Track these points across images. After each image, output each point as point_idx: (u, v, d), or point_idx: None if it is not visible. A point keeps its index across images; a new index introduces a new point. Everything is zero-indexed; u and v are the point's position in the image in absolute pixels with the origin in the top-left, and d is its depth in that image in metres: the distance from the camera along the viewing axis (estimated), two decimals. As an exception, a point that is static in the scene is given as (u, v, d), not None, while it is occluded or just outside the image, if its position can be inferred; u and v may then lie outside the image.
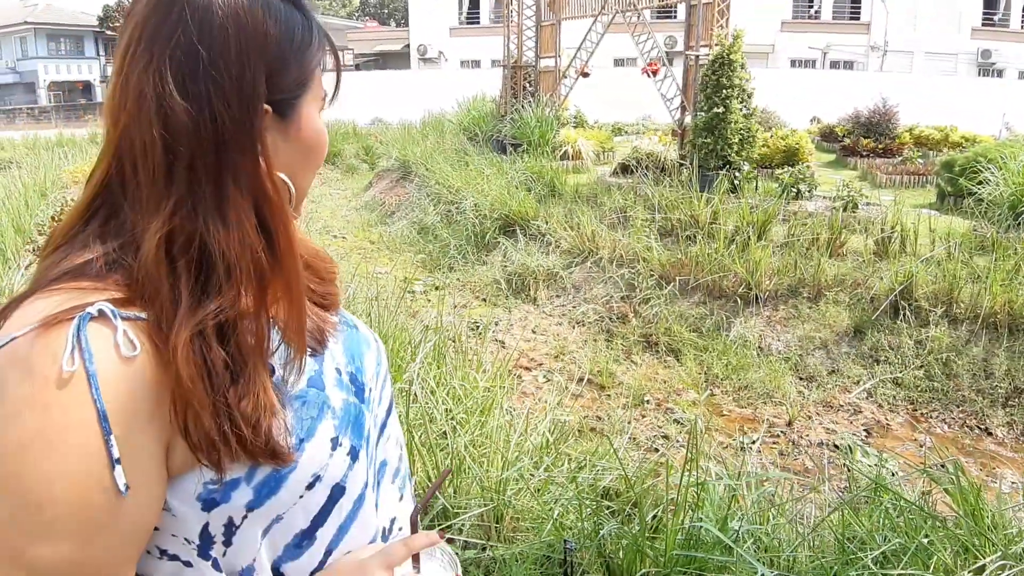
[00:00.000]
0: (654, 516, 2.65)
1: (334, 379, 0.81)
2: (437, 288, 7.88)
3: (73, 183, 12.34)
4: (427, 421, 3.00)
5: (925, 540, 2.33)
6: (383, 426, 0.94)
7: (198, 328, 0.65)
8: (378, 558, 0.81)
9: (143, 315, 0.65)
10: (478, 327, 6.45)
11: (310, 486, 0.75)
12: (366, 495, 0.83)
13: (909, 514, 2.51)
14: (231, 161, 0.68)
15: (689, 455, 2.46)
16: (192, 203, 0.66)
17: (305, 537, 0.78)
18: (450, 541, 2.54)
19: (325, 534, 0.79)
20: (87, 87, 47.34)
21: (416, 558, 0.84)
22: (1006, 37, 26.90)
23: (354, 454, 0.79)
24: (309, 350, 0.78)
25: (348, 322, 0.91)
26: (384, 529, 0.91)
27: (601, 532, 2.41)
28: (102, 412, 0.60)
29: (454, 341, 4.40)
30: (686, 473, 2.39)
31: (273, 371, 0.73)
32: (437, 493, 2.40)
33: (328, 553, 0.80)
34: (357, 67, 35.19)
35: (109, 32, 44.53)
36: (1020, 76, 25.82)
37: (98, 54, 47.86)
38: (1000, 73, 26.44)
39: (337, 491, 0.78)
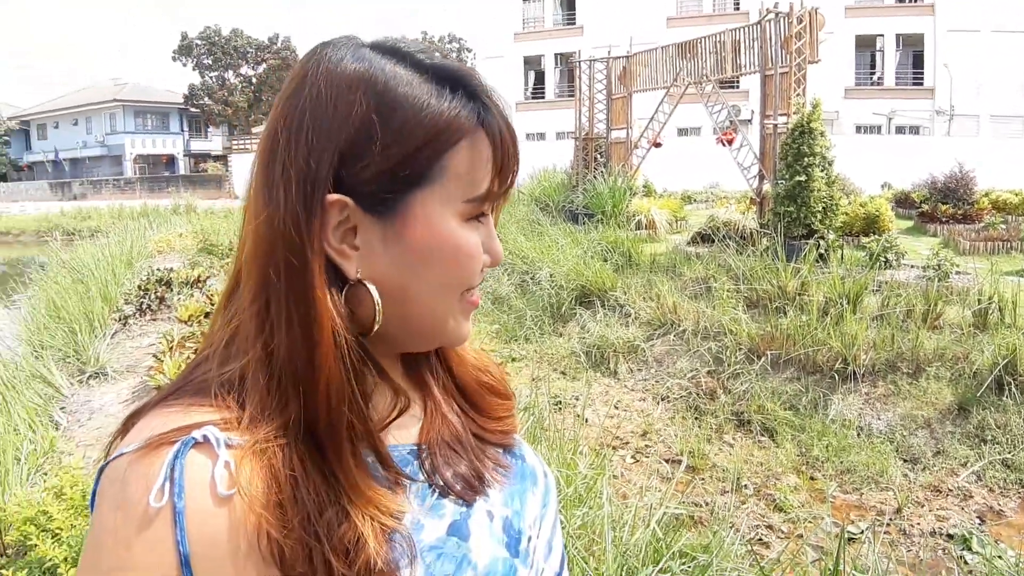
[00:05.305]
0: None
1: (484, 526, 0.66)
2: (514, 359, 7.77)
3: (157, 252, 12.79)
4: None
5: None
6: None
7: (272, 447, 0.56)
8: None
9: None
10: (559, 402, 6.29)
11: None
12: None
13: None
14: (300, 262, 0.58)
15: None
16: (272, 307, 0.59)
17: None
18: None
19: None
20: (171, 160, 50.04)
21: None
22: (1070, 95, 26.06)
23: None
24: (454, 496, 0.66)
25: (513, 452, 0.76)
26: None
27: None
28: (184, 557, 0.52)
29: (538, 417, 4.26)
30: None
31: (400, 514, 0.60)
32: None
33: None
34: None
35: (192, 109, 47.27)
36: (1087, 134, 24.94)
37: (182, 129, 50.78)
38: (1067, 131, 25.56)
39: None
